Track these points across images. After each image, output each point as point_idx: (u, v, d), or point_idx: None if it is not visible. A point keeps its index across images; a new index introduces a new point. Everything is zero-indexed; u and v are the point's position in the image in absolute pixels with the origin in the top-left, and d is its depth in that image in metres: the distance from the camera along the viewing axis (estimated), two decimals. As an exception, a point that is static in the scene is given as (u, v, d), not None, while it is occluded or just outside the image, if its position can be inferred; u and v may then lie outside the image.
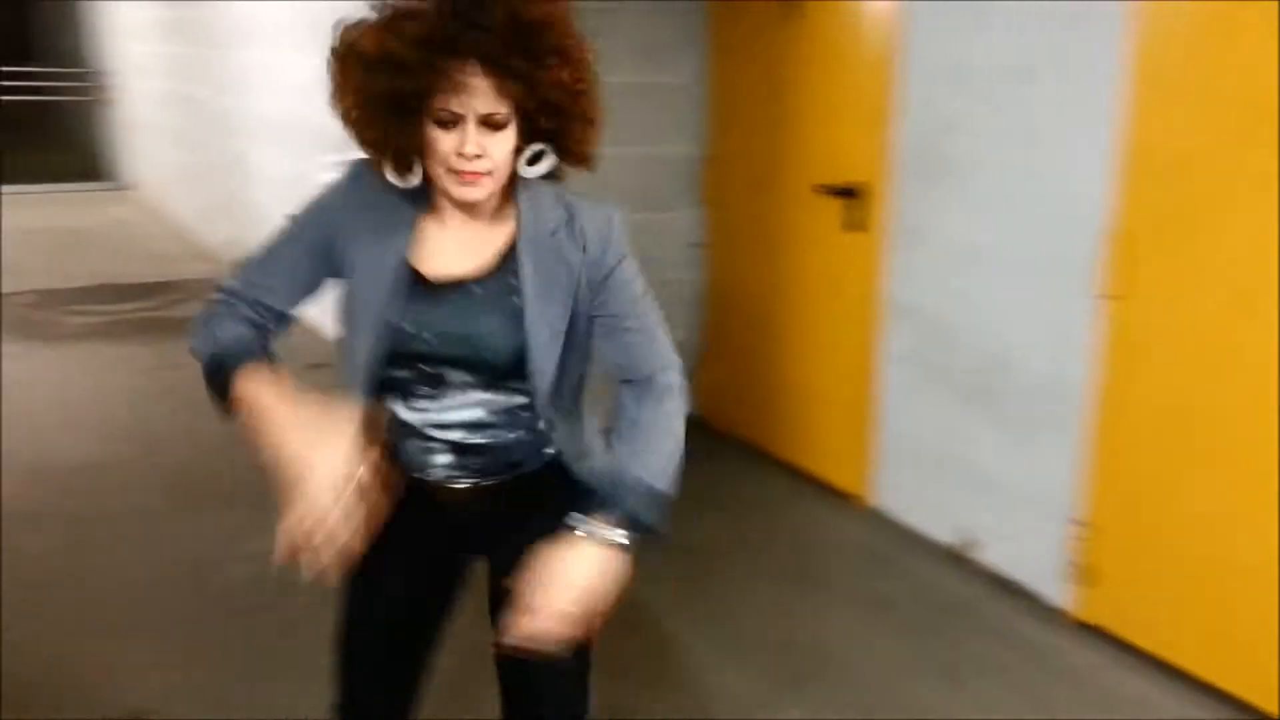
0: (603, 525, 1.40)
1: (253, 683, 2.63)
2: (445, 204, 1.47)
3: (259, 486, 3.65)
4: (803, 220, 3.79)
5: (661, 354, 1.53)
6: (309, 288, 1.54)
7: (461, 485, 1.54)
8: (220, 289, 1.54)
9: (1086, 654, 2.94)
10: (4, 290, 6.20)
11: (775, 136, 3.85)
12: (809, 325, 3.87)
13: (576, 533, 1.40)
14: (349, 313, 1.51)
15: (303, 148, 5.53)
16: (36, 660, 2.69)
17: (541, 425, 1.52)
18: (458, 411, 1.50)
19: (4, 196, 9.26)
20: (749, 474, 4.04)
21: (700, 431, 4.36)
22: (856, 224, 3.56)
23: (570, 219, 1.48)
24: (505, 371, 1.48)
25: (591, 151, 1.46)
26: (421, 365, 1.48)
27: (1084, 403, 2.95)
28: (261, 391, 1.39)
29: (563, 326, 1.47)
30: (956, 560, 3.41)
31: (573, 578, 1.38)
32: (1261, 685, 2.62)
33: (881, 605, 3.16)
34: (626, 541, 1.41)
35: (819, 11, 3.65)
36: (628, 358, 1.52)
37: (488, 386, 1.49)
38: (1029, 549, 3.21)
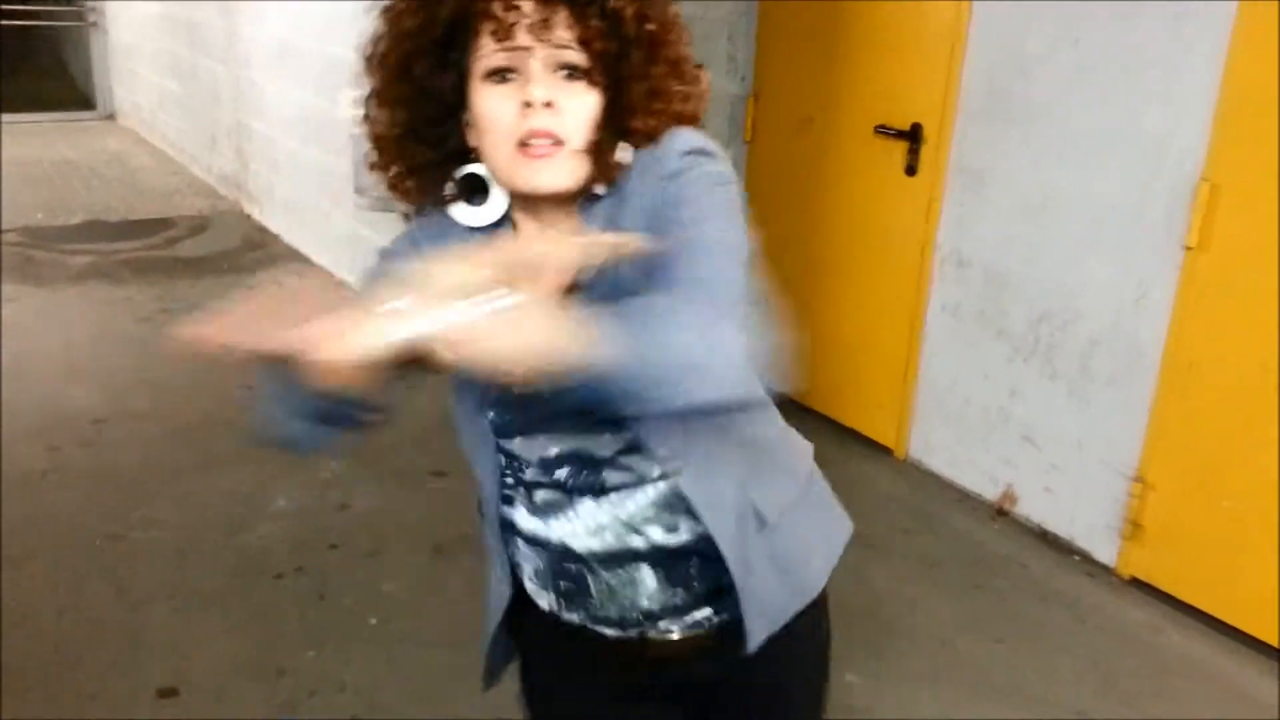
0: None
1: (291, 651, 2.55)
2: (523, 224, 1.10)
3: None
4: (857, 163, 3.60)
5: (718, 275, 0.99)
6: None
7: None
8: None
9: (1137, 611, 2.88)
10: (3, 227, 6.00)
11: (830, 73, 3.64)
12: (854, 273, 3.73)
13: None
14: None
15: (305, 78, 5.31)
16: (64, 628, 2.59)
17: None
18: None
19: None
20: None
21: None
22: (913, 169, 3.39)
23: (622, 196, 1.06)
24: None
25: (655, 124, 1.06)
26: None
27: (1152, 358, 2.83)
28: None
29: None
30: (996, 514, 3.34)
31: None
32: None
33: (926, 562, 3.08)
34: None
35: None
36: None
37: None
38: (1077, 504, 3.13)
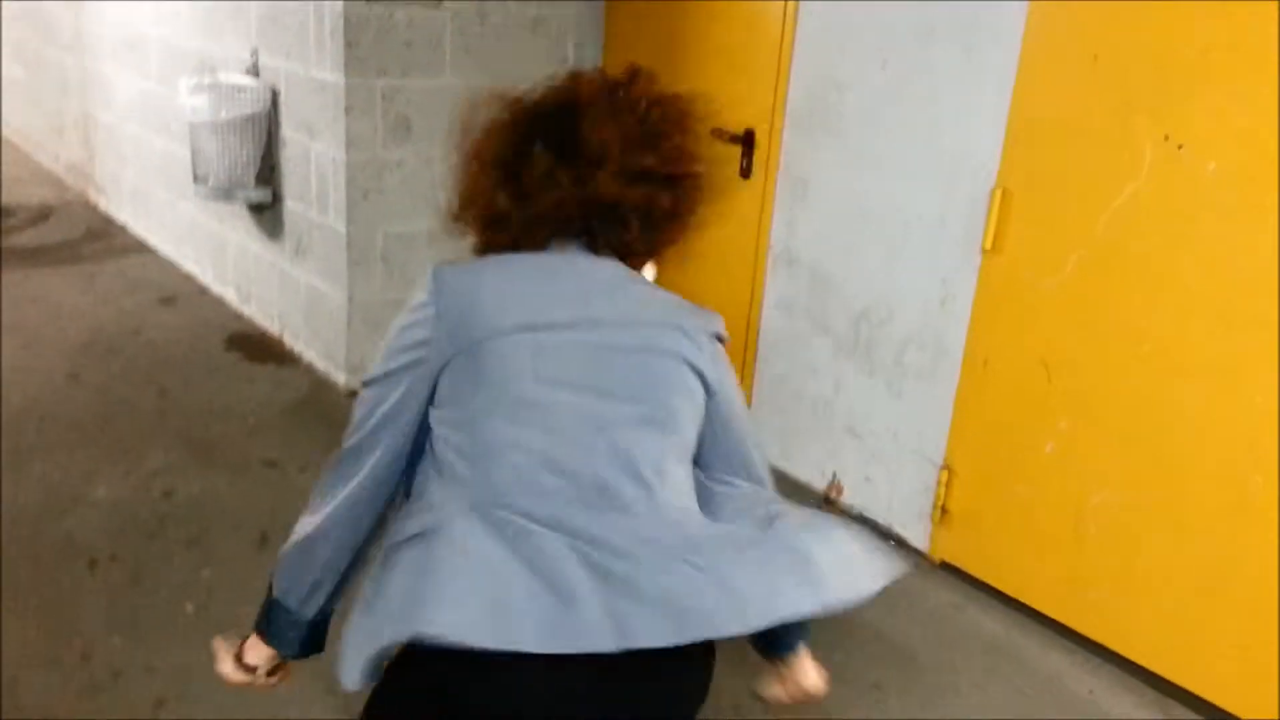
0: None
1: (96, 638, 2.49)
2: None
3: (101, 431, 3.49)
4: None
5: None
6: None
7: None
8: None
9: (944, 593, 3.04)
10: None
11: (672, 77, 3.73)
12: (694, 270, 3.82)
13: None
14: None
15: (149, 67, 5.18)
16: None
17: None
18: None
19: None
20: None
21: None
22: (748, 171, 3.52)
23: None
24: None
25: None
26: None
27: (955, 354, 3.01)
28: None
29: None
30: (824, 503, 3.48)
31: None
32: (1108, 623, 2.76)
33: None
34: None
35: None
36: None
37: None
38: (894, 493, 3.29)
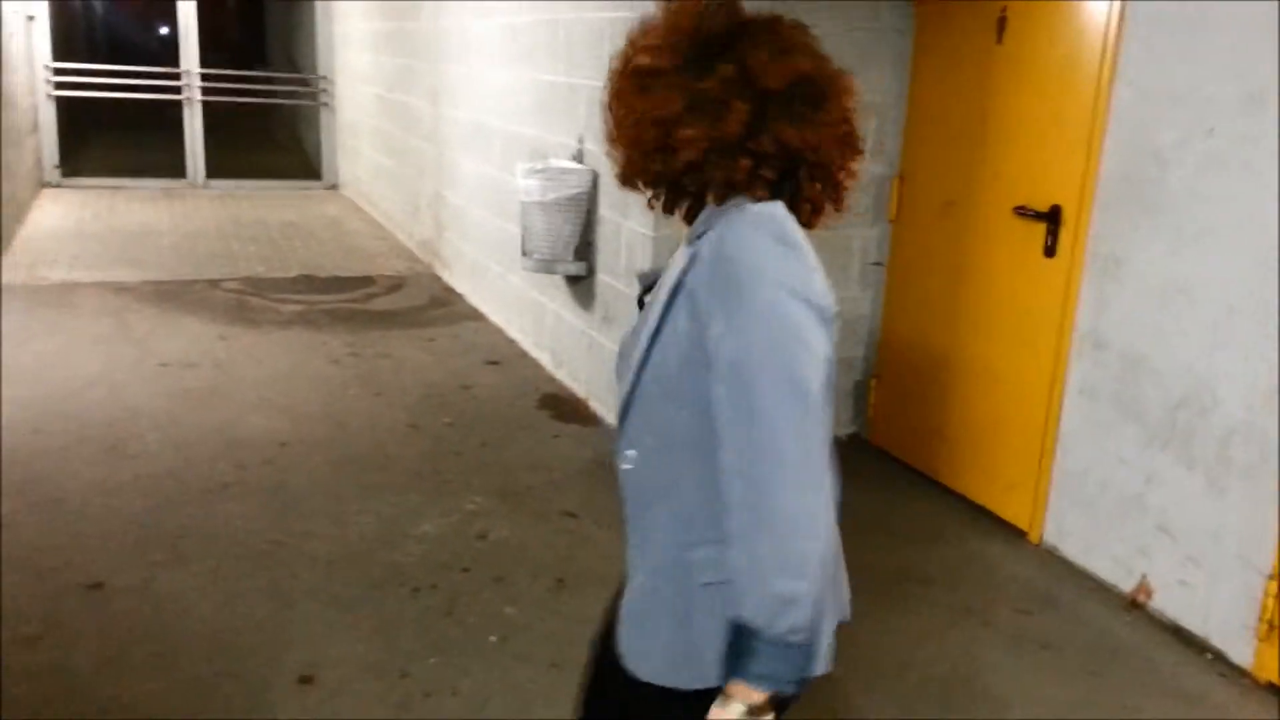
0: (741, 696, 1.19)
1: (414, 657, 2.77)
2: None
3: (430, 474, 3.90)
4: (998, 243, 3.67)
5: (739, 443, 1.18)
6: None
7: None
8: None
9: (1268, 714, 2.74)
10: (222, 277, 6.74)
11: (973, 155, 3.74)
12: (991, 351, 3.75)
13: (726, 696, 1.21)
14: None
15: (491, 154, 5.78)
16: (220, 618, 2.92)
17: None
18: None
19: (228, 191, 10.07)
20: (916, 501, 3.95)
21: (867, 454, 4.30)
22: (1052, 250, 3.42)
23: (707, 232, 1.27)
24: None
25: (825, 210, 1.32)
26: None
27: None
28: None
29: (637, 354, 1.29)
30: (1130, 606, 3.24)
31: None
32: None
33: (1045, 646, 3.03)
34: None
35: (1027, 23, 3.52)
36: (720, 440, 1.20)
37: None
38: (1211, 600, 3.01)
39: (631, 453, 1.32)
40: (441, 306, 6.41)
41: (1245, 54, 2.82)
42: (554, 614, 2.99)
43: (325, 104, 10.96)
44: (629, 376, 1.31)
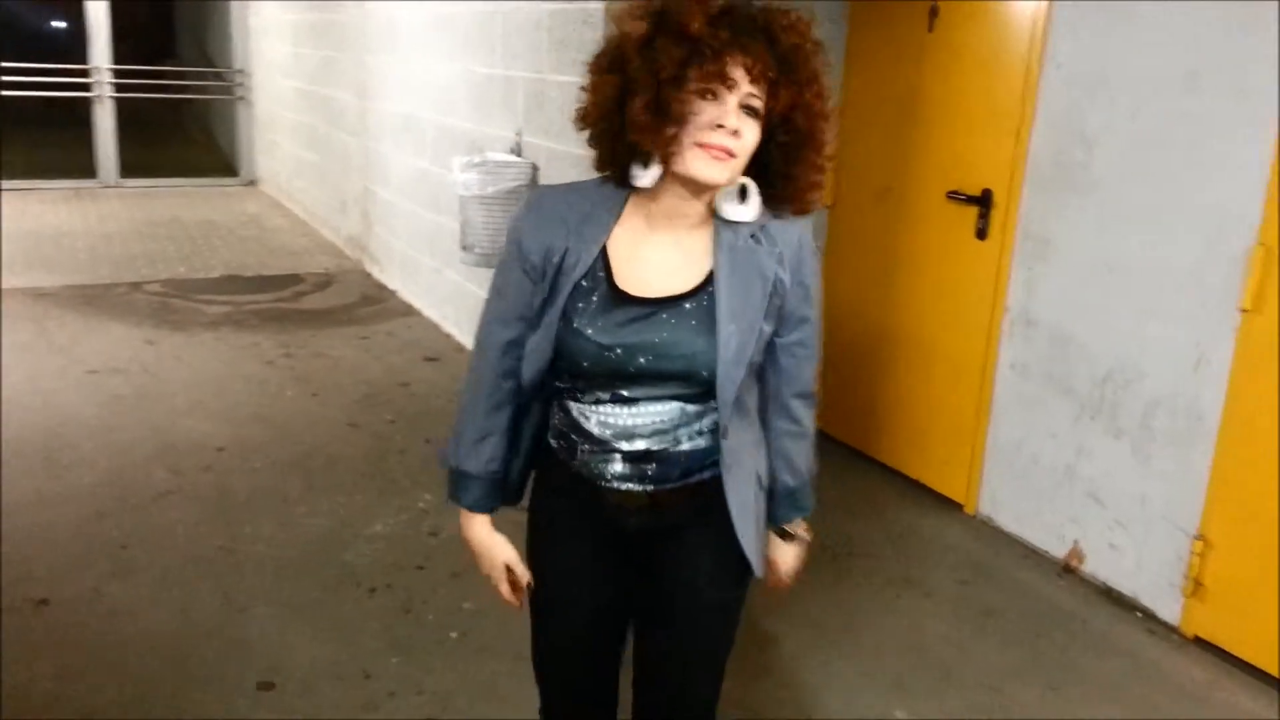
0: (801, 528, 1.75)
1: (376, 657, 2.78)
2: (658, 204, 1.49)
3: (377, 473, 3.88)
4: (931, 227, 3.77)
5: (816, 367, 1.64)
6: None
7: (633, 491, 1.56)
8: (476, 348, 1.65)
9: (1196, 668, 2.89)
10: (143, 279, 6.59)
11: (906, 143, 3.84)
12: (925, 332, 3.86)
13: (789, 534, 1.74)
14: (542, 320, 1.51)
15: (423, 147, 5.74)
16: (173, 629, 2.88)
17: (716, 436, 1.53)
18: (645, 420, 1.51)
19: (143, 190, 9.81)
20: (856, 479, 4.06)
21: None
22: (984, 233, 3.54)
23: (763, 228, 1.51)
24: (700, 384, 1.49)
25: (812, 195, 1.50)
26: (619, 379, 1.49)
27: (1212, 418, 2.90)
28: (474, 533, 1.70)
29: (753, 339, 1.49)
30: (1063, 572, 3.38)
31: (790, 566, 1.76)
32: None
33: (985, 612, 3.15)
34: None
35: (957, 13, 3.61)
36: (799, 374, 1.61)
37: (676, 398, 1.50)
38: (1140, 562, 3.16)
39: (731, 417, 1.53)
40: (374, 303, 6.36)
41: (1171, 37, 2.94)
42: (513, 607, 3.00)
43: (242, 98, 10.73)
44: (735, 371, 1.49)
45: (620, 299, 1.48)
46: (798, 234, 1.53)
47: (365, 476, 3.89)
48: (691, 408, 1.52)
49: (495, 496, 1.68)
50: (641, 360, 1.47)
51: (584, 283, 1.49)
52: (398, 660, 2.77)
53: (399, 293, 6.49)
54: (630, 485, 1.56)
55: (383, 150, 6.59)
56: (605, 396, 1.52)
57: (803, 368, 1.61)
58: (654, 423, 1.51)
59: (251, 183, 10.70)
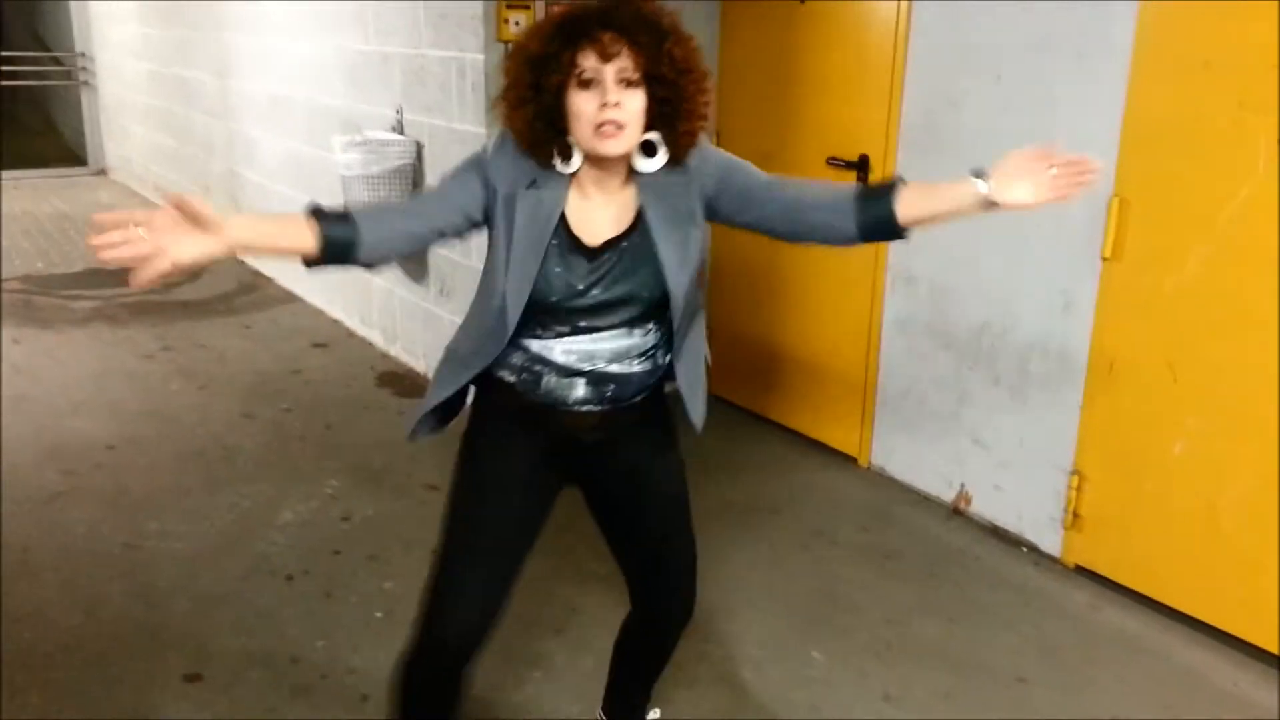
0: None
1: (301, 642, 2.77)
2: (586, 178, 1.74)
3: (279, 462, 3.82)
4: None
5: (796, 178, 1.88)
6: (432, 222, 1.76)
7: (592, 411, 1.81)
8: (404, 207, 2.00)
9: (1079, 594, 3.14)
10: (4, 275, 6.25)
11: (785, 113, 3.97)
12: (812, 295, 4.03)
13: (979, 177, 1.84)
14: (503, 264, 1.73)
15: (296, 128, 5.61)
16: (87, 627, 2.81)
17: (658, 359, 1.83)
18: (604, 345, 1.78)
19: (-15, 183, 9.25)
20: (754, 441, 4.21)
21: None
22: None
23: (668, 164, 1.76)
24: (650, 311, 1.78)
25: (696, 130, 1.73)
26: (578, 314, 1.75)
27: (1080, 360, 3.13)
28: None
29: (691, 252, 1.76)
30: (953, 514, 3.60)
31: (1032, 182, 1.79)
32: (1248, 618, 2.82)
33: (887, 556, 3.34)
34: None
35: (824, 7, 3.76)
36: (798, 191, 1.83)
37: (627, 323, 1.78)
38: (1022, 500, 3.40)
39: (681, 316, 1.81)
40: (251, 291, 6.19)
41: (1028, 5, 3.14)
42: (434, 583, 3.03)
43: (85, 83, 10.20)
44: (681, 278, 1.76)
45: (577, 248, 1.74)
46: (696, 152, 1.76)
47: (268, 466, 3.83)
48: (638, 329, 1.79)
49: (333, 222, 1.73)
50: (596, 291, 1.74)
51: (553, 241, 1.73)
52: (324, 644, 2.78)
53: (276, 279, 6.33)
54: (590, 407, 1.81)
55: (249, 131, 6.40)
56: (565, 330, 1.77)
57: (788, 188, 1.81)
58: (611, 348, 1.78)
59: (101, 171, 10.21)
